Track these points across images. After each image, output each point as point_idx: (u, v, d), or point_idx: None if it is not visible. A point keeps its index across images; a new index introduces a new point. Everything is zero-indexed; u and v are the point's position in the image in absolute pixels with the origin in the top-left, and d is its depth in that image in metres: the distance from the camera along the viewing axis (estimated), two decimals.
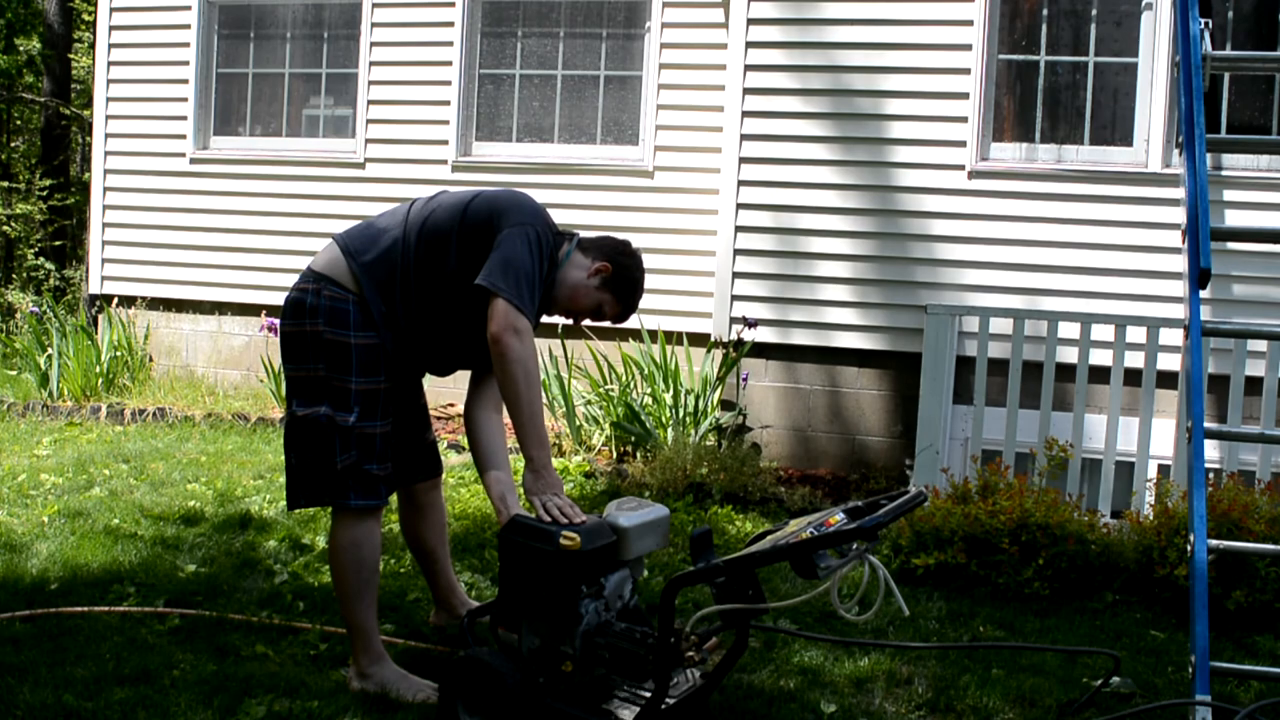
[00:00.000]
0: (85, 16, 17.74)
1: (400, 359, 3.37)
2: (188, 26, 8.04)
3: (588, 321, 3.50)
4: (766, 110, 6.56)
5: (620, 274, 3.42)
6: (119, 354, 7.82)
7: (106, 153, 8.30)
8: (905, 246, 6.41)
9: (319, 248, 3.47)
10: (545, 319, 3.82)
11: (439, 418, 6.98)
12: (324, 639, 3.66)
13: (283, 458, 3.44)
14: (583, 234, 3.49)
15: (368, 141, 7.66)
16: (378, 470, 3.31)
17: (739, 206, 6.58)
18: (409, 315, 3.31)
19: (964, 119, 6.29)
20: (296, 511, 5.05)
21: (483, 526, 4.93)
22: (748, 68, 6.57)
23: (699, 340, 6.76)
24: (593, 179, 7.21)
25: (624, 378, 6.40)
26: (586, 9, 7.36)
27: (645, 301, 7.95)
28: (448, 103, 7.47)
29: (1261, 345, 5.52)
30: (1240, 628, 4.14)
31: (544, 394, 6.52)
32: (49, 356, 7.76)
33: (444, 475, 3.99)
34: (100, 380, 7.71)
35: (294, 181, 7.80)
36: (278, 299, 7.55)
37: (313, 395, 3.28)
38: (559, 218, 7.65)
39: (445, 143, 7.46)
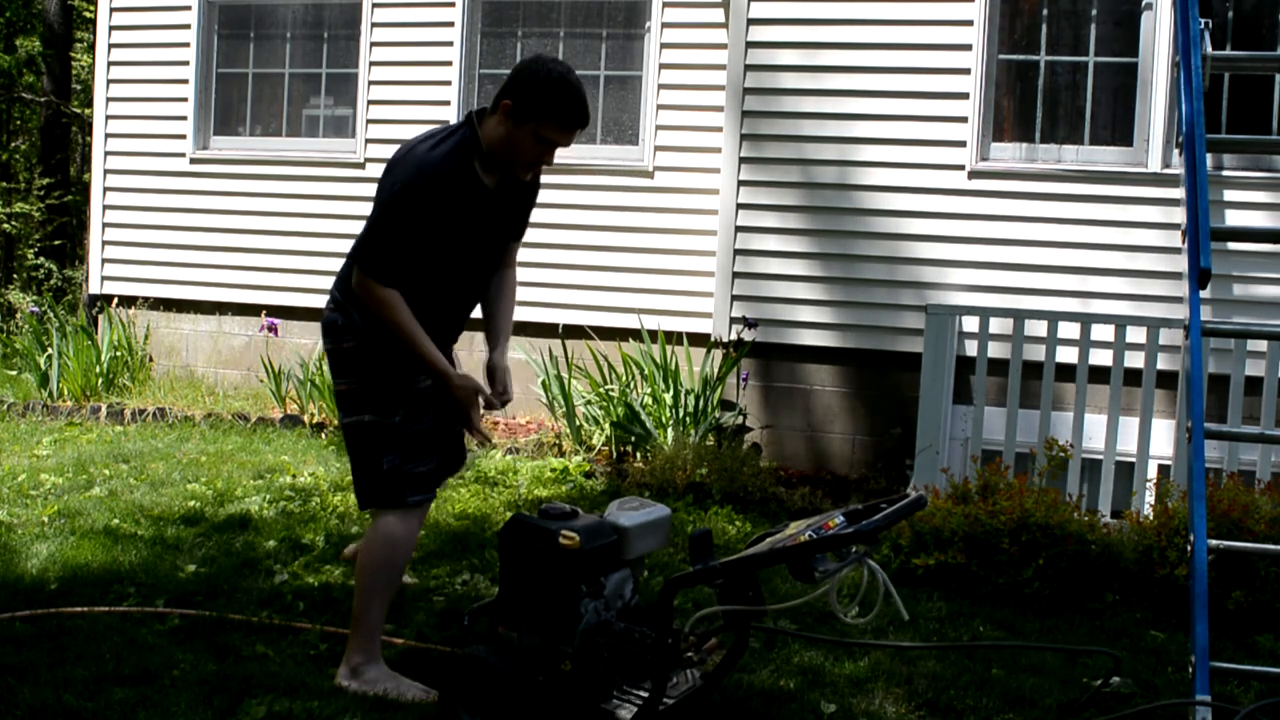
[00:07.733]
0: (86, 14, 17.73)
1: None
2: (188, 26, 8.03)
3: (563, 151, 3.33)
4: (766, 110, 6.56)
5: (523, 99, 3.16)
6: (119, 354, 7.82)
7: (106, 153, 8.29)
8: (905, 247, 6.40)
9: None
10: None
11: None
12: (324, 639, 3.66)
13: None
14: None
15: (368, 141, 7.65)
16: (423, 468, 3.41)
17: (739, 206, 6.58)
18: (418, 293, 3.33)
19: (964, 119, 6.29)
20: (296, 511, 5.08)
21: (483, 526, 4.93)
22: (748, 68, 6.57)
23: (699, 340, 6.75)
24: (593, 179, 7.20)
25: (624, 378, 6.40)
26: (586, 9, 7.35)
27: (645, 301, 7.89)
28: (448, 103, 7.46)
29: (1261, 345, 5.52)
30: (1240, 628, 4.14)
31: (544, 393, 6.59)
32: (49, 356, 7.76)
33: None
34: (100, 380, 7.71)
35: (294, 181, 7.79)
36: (278, 299, 7.72)
37: (355, 404, 3.39)
38: (559, 217, 7.58)
39: None
